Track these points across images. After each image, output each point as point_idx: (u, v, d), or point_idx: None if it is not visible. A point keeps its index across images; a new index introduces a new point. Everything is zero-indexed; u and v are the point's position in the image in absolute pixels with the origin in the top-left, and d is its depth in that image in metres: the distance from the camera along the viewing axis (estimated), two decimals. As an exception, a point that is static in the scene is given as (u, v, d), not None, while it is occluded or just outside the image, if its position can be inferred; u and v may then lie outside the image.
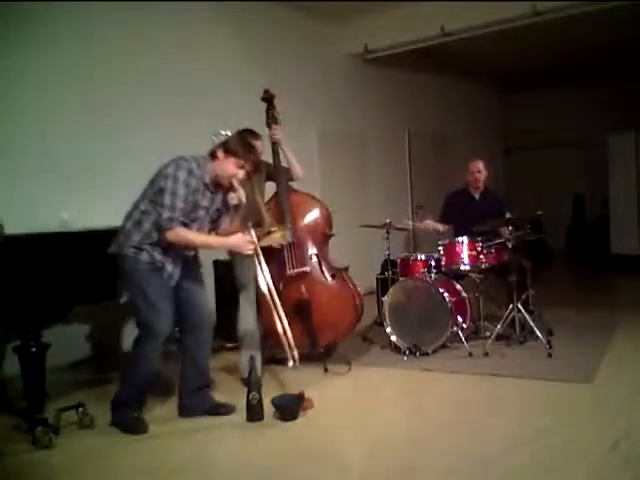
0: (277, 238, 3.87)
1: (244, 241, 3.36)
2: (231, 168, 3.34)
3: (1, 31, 4.40)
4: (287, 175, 4.37)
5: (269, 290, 3.55)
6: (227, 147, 3.35)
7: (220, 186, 3.41)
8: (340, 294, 4.36)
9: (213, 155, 3.37)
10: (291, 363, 3.53)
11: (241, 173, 3.36)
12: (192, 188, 3.25)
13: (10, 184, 4.39)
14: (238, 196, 3.40)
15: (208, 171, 3.34)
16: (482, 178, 5.34)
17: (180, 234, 3.23)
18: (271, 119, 4.35)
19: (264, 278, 3.56)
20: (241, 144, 3.40)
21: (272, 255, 4.28)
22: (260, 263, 3.53)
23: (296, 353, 3.52)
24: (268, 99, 4.37)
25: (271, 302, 3.54)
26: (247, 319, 4.11)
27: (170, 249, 3.31)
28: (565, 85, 10.80)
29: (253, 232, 3.44)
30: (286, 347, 3.51)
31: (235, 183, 3.36)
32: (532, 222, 4.98)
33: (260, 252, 3.51)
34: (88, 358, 4.90)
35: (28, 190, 4.50)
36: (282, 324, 3.52)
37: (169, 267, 3.33)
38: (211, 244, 3.46)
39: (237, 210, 3.47)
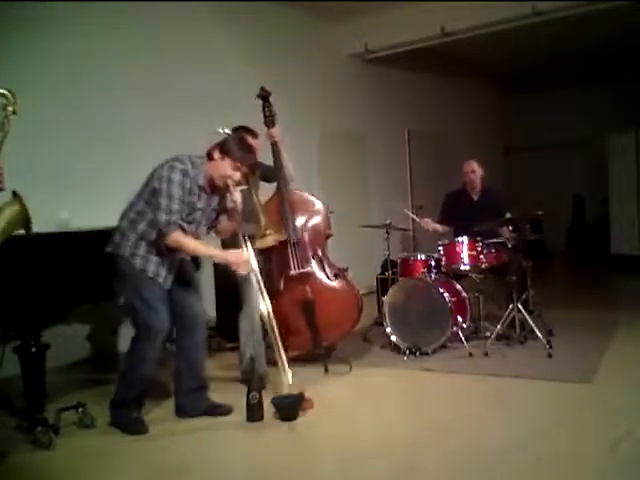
0: (270, 241, 3.88)
1: (241, 260, 3.31)
2: (227, 169, 3.23)
3: (1, 31, 4.40)
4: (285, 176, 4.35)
5: (268, 313, 3.54)
6: (224, 147, 3.25)
7: (216, 188, 3.31)
8: (342, 294, 4.36)
9: (209, 155, 3.26)
10: (287, 379, 3.52)
11: (237, 175, 3.25)
12: (187, 189, 3.16)
13: (9, 184, 4.38)
14: (233, 199, 3.31)
15: (203, 172, 3.23)
16: (477, 178, 5.25)
17: (180, 240, 3.15)
18: (269, 118, 4.29)
19: (262, 299, 3.53)
20: (238, 145, 3.29)
21: (275, 255, 4.30)
22: (259, 282, 3.52)
23: (290, 375, 3.52)
24: (264, 96, 4.30)
25: (268, 326, 3.54)
26: (250, 319, 4.10)
27: (166, 253, 3.25)
28: (565, 85, 10.81)
29: (250, 247, 3.42)
30: (281, 369, 3.53)
31: (231, 185, 3.26)
32: (532, 222, 4.96)
33: (258, 273, 3.51)
34: (88, 358, 4.90)
35: (27, 190, 4.49)
36: (278, 348, 3.51)
37: (163, 273, 3.27)
38: (210, 255, 3.41)
39: (232, 213, 3.38)
